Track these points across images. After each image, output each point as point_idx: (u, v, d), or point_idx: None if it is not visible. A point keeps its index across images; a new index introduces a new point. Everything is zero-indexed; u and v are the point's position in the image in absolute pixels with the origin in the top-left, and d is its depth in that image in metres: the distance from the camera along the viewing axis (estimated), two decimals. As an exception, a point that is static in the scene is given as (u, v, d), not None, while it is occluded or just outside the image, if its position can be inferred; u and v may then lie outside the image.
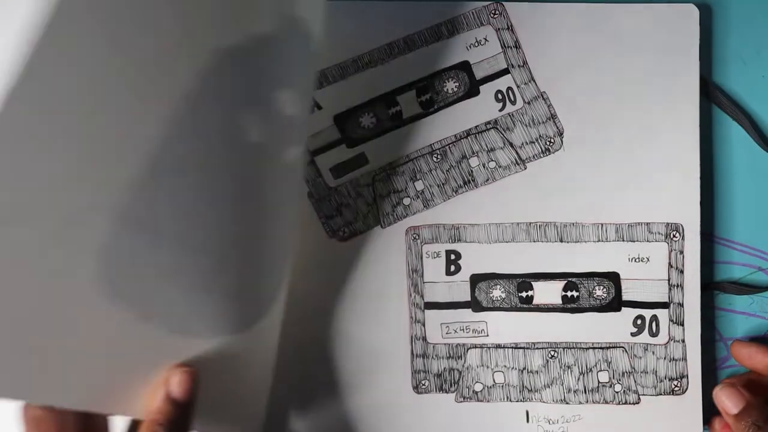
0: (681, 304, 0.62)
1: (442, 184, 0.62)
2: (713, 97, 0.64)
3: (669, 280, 0.62)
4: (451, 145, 0.62)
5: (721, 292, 0.64)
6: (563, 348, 0.62)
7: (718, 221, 0.64)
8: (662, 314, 0.62)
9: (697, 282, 0.62)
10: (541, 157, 0.63)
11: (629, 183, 0.62)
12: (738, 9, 0.65)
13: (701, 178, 0.62)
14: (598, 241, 0.62)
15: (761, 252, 0.64)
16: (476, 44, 0.63)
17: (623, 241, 0.62)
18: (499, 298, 0.62)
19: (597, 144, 0.63)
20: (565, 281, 0.62)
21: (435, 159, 0.62)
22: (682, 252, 0.62)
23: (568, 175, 0.62)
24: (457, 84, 0.62)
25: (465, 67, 0.62)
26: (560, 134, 0.62)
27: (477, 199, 0.62)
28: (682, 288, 0.62)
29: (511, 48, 0.62)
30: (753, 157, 0.64)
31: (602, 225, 0.62)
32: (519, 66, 0.62)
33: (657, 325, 0.62)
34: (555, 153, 0.63)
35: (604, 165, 0.63)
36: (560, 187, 0.62)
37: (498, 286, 0.62)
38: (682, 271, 0.62)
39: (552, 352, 0.62)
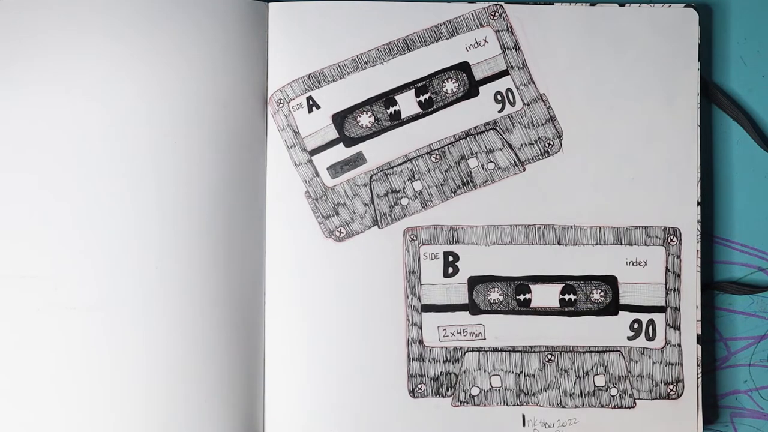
0: (678, 309, 0.62)
1: (441, 184, 0.62)
2: (713, 97, 0.64)
3: (666, 284, 0.62)
4: (449, 146, 0.62)
5: (721, 292, 0.64)
6: (560, 351, 0.62)
7: (718, 221, 0.64)
8: (659, 318, 0.62)
9: (694, 286, 0.62)
10: (540, 159, 0.62)
11: (628, 186, 0.62)
12: (738, 9, 0.64)
13: (701, 178, 0.62)
14: (596, 244, 0.62)
15: (761, 252, 0.64)
16: (476, 45, 0.62)
17: (621, 244, 0.62)
18: (496, 301, 0.62)
19: (596, 146, 0.62)
20: (563, 284, 0.62)
21: (434, 159, 0.62)
22: (679, 256, 0.62)
23: (567, 177, 0.62)
24: (457, 84, 0.62)
25: (464, 67, 0.62)
26: (559, 136, 0.62)
27: (475, 201, 0.62)
28: (679, 292, 0.62)
29: (510, 49, 0.62)
30: (753, 157, 0.64)
31: (600, 228, 0.62)
32: (518, 67, 0.62)
33: (653, 329, 0.62)
34: (554, 155, 0.62)
35: (603, 167, 0.62)
36: (559, 189, 0.62)
37: (496, 289, 0.62)
38: (679, 276, 0.62)
39: (549, 356, 0.62)
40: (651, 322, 0.62)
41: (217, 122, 0.60)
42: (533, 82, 0.62)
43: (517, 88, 0.62)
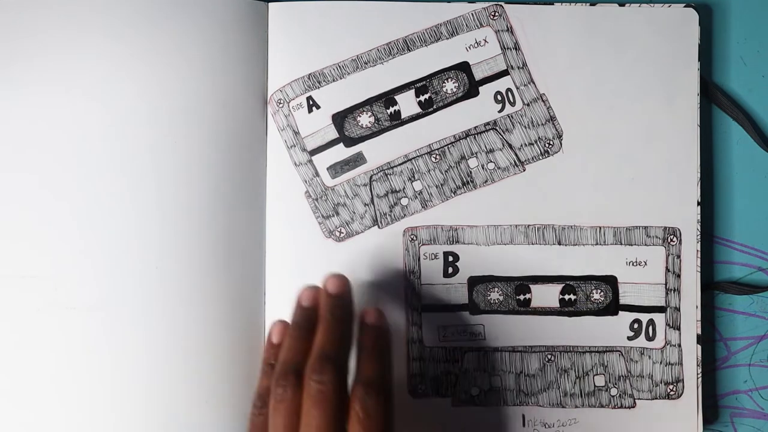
0: (678, 309, 0.62)
1: (441, 184, 0.62)
2: (713, 97, 0.64)
3: (666, 284, 0.62)
4: (449, 146, 0.62)
5: (721, 292, 0.64)
6: (560, 351, 0.62)
7: (718, 221, 0.64)
8: (659, 318, 0.62)
9: (694, 286, 0.62)
10: (540, 159, 0.62)
11: (628, 186, 0.62)
12: (738, 9, 0.64)
13: (701, 178, 0.62)
14: (596, 244, 0.62)
15: (761, 252, 0.64)
16: (476, 45, 0.62)
17: (621, 244, 0.62)
18: (496, 301, 0.62)
19: (596, 146, 0.62)
20: (563, 284, 0.62)
21: (434, 159, 0.62)
22: (679, 256, 0.62)
23: (567, 177, 0.62)
24: (457, 84, 0.62)
25: (464, 67, 0.62)
26: (559, 136, 0.62)
27: (475, 201, 0.62)
28: (679, 292, 0.62)
29: (510, 49, 0.62)
30: (753, 157, 0.64)
31: (600, 228, 0.62)
32: (518, 67, 0.62)
33: (653, 329, 0.62)
34: (554, 155, 0.62)
35: (603, 168, 0.62)
36: (559, 189, 0.62)
37: (496, 289, 0.62)
38: (679, 276, 0.62)
39: (549, 356, 0.62)
40: (651, 322, 0.62)
41: (217, 122, 0.60)
42: (533, 82, 0.62)
43: (517, 88, 0.62)
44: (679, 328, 0.62)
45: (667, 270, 0.62)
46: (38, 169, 0.59)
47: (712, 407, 0.63)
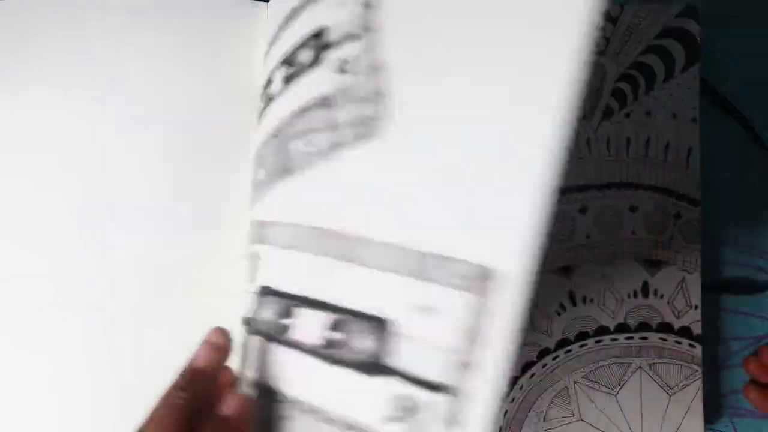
0: (467, 396, 0.41)
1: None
2: (713, 97, 0.64)
3: (462, 350, 0.41)
4: None
5: (722, 292, 0.64)
6: (305, 412, 0.49)
7: (718, 221, 0.64)
8: (436, 404, 0.42)
9: (505, 361, 0.40)
10: (353, 144, 0.47)
11: (453, 201, 0.42)
12: (737, 9, 0.64)
13: (701, 177, 0.62)
14: (385, 270, 0.44)
15: (761, 252, 0.64)
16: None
17: (415, 277, 0.43)
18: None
19: (431, 137, 0.44)
20: (334, 316, 0.47)
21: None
22: (493, 310, 0.40)
23: (381, 172, 0.46)
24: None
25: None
26: (383, 117, 0.46)
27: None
28: (480, 369, 0.40)
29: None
30: (753, 157, 0.64)
31: (397, 248, 0.44)
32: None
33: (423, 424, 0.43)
34: (372, 141, 0.46)
35: (434, 169, 0.43)
36: (362, 186, 0.47)
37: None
38: (485, 344, 0.40)
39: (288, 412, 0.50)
40: (419, 407, 0.43)
41: (215, 122, 0.60)
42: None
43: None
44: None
45: (468, 329, 0.41)
46: (38, 169, 0.59)
47: (712, 407, 0.63)
